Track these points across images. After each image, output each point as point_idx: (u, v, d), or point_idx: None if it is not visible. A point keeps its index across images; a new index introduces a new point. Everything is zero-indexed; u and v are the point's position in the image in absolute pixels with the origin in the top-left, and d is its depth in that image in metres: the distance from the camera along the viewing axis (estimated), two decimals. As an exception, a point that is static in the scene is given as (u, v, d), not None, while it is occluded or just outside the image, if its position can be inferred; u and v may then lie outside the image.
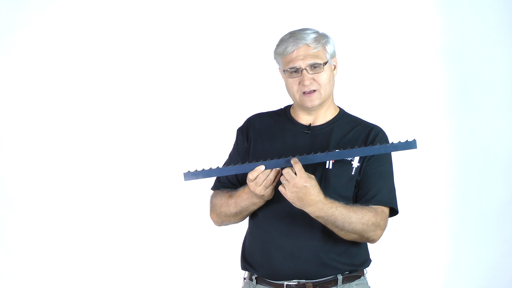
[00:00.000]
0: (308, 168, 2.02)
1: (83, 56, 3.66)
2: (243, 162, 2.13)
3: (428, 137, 3.70)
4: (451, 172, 3.76)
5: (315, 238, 2.07)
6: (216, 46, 3.70)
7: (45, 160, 3.67)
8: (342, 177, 2.09)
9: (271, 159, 1.99)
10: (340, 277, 2.10)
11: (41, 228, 3.68)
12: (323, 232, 2.06)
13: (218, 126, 3.64)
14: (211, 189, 2.25)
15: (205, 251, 3.70)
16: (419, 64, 3.73)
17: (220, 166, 2.03)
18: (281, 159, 1.97)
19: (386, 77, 3.72)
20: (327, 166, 2.08)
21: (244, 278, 2.22)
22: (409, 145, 1.97)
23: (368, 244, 2.19)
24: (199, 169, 2.01)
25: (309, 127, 2.15)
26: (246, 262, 2.18)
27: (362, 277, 2.16)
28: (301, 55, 2.06)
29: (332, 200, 2.00)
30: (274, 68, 2.21)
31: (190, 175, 2.02)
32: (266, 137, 2.18)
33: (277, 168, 1.98)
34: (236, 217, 2.15)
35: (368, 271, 2.21)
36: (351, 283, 2.12)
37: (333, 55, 2.12)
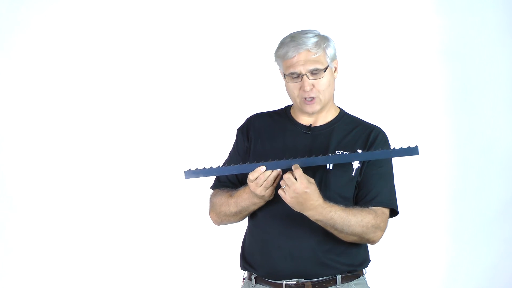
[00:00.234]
0: (308, 169, 2.03)
1: (83, 56, 3.66)
2: (243, 162, 2.13)
3: (428, 137, 3.71)
4: (451, 172, 3.76)
5: (315, 238, 2.07)
6: (216, 46, 3.70)
7: (45, 160, 3.67)
8: (342, 178, 2.09)
9: (272, 159, 2.00)
10: (339, 276, 2.10)
11: (41, 228, 3.68)
12: (323, 232, 2.06)
13: (218, 125, 3.64)
14: (211, 188, 2.25)
15: (205, 251, 3.70)
16: (419, 64, 3.73)
17: (221, 165, 2.03)
18: (282, 160, 1.98)
19: (386, 77, 3.72)
20: (327, 167, 2.09)
21: (244, 278, 2.22)
22: (411, 151, 1.97)
23: (367, 244, 2.19)
24: (200, 167, 2.02)
25: (309, 127, 2.15)
26: (246, 261, 2.19)
27: (361, 277, 2.16)
28: (302, 61, 2.06)
29: (332, 204, 2.01)
30: (274, 68, 2.21)
31: (191, 173, 2.02)
32: (266, 137, 2.18)
33: (278, 170, 1.98)
34: (236, 217, 2.15)
35: (368, 271, 2.21)
36: (350, 282, 2.12)
37: (333, 58, 2.12)
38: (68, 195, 3.68)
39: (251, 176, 1.98)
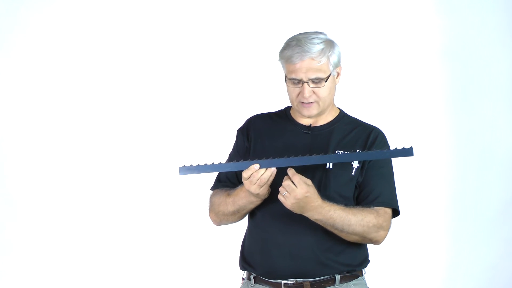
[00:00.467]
0: (308, 168, 2.03)
1: (82, 56, 3.66)
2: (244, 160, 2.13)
3: (428, 137, 3.71)
4: (451, 172, 3.76)
5: (314, 238, 2.08)
6: (216, 46, 3.70)
7: (44, 160, 3.67)
8: (342, 177, 2.10)
9: (266, 158, 2.00)
10: (338, 276, 2.10)
11: (41, 228, 3.68)
12: (322, 232, 2.07)
13: (218, 126, 3.64)
14: (211, 189, 2.26)
15: (204, 251, 3.70)
16: (419, 64, 3.73)
17: (216, 162, 2.03)
18: (276, 159, 1.98)
19: (386, 77, 3.72)
20: (327, 166, 2.09)
21: (243, 278, 2.23)
22: (406, 152, 1.98)
23: (367, 244, 2.19)
24: (194, 164, 2.02)
25: (309, 127, 2.16)
26: (245, 261, 2.19)
27: (360, 277, 2.16)
28: (304, 68, 2.05)
29: (331, 203, 2.01)
30: (274, 68, 2.22)
31: (185, 170, 2.02)
32: (266, 137, 2.19)
33: (272, 168, 1.98)
34: (234, 216, 2.16)
35: (367, 271, 2.21)
36: (349, 282, 2.13)
37: (337, 65, 2.11)
38: (67, 194, 3.68)
39: (245, 174, 1.99)
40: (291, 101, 2.14)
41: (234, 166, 2.02)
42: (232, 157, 2.24)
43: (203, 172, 2.02)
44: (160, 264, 3.72)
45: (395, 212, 2.14)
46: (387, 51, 3.71)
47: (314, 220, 2.01)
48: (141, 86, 3.70)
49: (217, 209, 2.18)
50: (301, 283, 2.09)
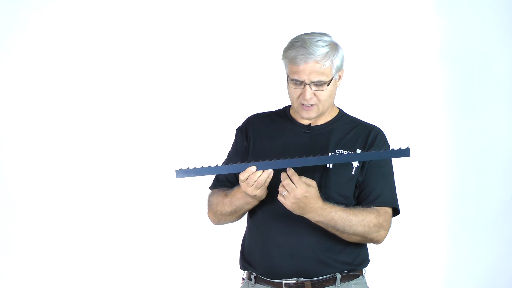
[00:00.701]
0: (308, 168, 2.03)
1: (82, 56, 3.66)
2: (242, 162, 2.13)
3: (428, 137, 3.71)
4: (451, 172, 3.76)
5: (314, 237, 2.08)
6: (215, 46, 3.70)
7: (44, 160, 3.67)
8: (342, 177, 2.10)
9: (264, 159, 2.00)
10: (338, 276, 2.10)
11: (41, 228, 3.68)
12: (322, 231, 2.07)
13: (217, 126, 3.64)
14: (210, 188, 2.26)
15: (204, 251, 3.70)
16: (419, 64, 3.73)
17: (213, 165, 2.03)
18: (273, 161, 1.98)
19: (386, 77, 3.72)
20: (327, 166, 2.09)
21: (243, 278, 2.23)
22: (403, 152, 1.98)
23: (367, 244, 2.19)
24: (191, 167, 2.02)
25: (308, 126, 2.16)
26: (245, 261, 2.19)
27: (360, 276, 2.16)
28: (308, 71, 2.05)
29: (332, 204, 2.01)
30: (273, 68, 2.22)
31: (182, 173, 2.02)
32: (265, 136, 2.19)
33: (269, 170, 1.98)
34: (232, 216, 2.16)
35: (367, 270, 2.21)
36: (349, 282, 2.13)
37: (339, 69, 2.11)
38: (67, 195, 3.68)
39: (242, 176, 1.99)
40: (292, 102, 2.14)
41: (231, 169, 2.02)
42: (231, 156, 2.24)
43: (200, 175, 2.02)
44: (160, 264, 3.72)
45: (395, 211, 2.15)
46: (387, 51, 3.71)
47: (316, 222, 2.02)
48: (140, 86, 3.70)
49: (215, 209, 2.18)
50: (302, 282, 2.09)
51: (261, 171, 1.98)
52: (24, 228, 3.68)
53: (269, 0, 3.70)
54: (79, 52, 3.66)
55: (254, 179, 1.98)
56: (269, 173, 1.98)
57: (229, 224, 2.24)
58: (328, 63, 2.05)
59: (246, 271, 2.21)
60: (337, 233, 2.05)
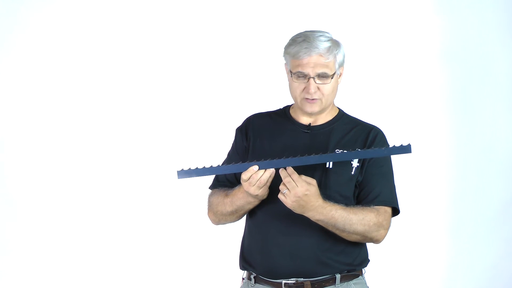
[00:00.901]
0: (308, 168, 2.03)
1: (82, 56, 3.66)
2: (242, 162, 2.13)
3: (427, 137, 3.71)
4: (451, 172, 3.76)
5: (314, 237, 2.08)
6: (215, 47, 3.70)
7: (44, 160, 3.67)
8: (342, 176, 2.10)
9: (266, 159, 2.00)
10: (338, 276, 2.10)
11: (41, 228, 3.68)
12: (322, 231, 2.07)
13: (217, 126, 3.64)
14: (210, 188, 2.26)
15: (204, 251, 3.70)
16: (419, 64, 3.73)
17: (214, 165, 2.03)
18: (274, 160, 1.98)
19: (386, 77, 3.72)
20: (327, 166, 2.09)
21: (243, 278, 2.23)
22: (404, 149, 1.98)
23: (367, 243, 2.19)
24: (193, 167, 2.02)
25: (308, 126, 2.16)
26: (245, 261, 2.19)
27: (360, 276, 2.16)
28: (312, 63, 2.06)
29: (332, 203, 2.01)
30: (273, 68, 2.22)
31: (184, 174, 2.02)
32: (265, 136, 2.19)
33: (271, 169, 1.98)
34: (232, 216, 2.16)
35: (367, 270, 2.21)
36: (349, 282, 2.13)
37: (341, 65, 2.12)
38: (67, 195, 3.68)
39: (244, 176, 1.99)
40: (294, 98, 2.13)
41: (232, 168, 2.02)
42: (231, 156, 2.24)
43: (201, 175, 2.02)
44: (160, 265, 3.72)
45: (395, 211, 2.15)
46: (387, 51, 3.71)
47: (316, 221, 2.01)
48: (140, 86, 3.70)
49: (215, 209, 2.18)
50: (302, 282, 2.09)
51: (263, 171, 1.98)
52: (24, 228, 3.68)
53: (269, 2, 3.70)
54: (79, 52, 3.66)
55: (257, 178, 1.98)
56: (271, 172, 1.99)
57: (229, 224, 2.24)
58: (331, 57, 2.07)
59: (245, 271, 2.21)
60: (337, 232, 2.04)
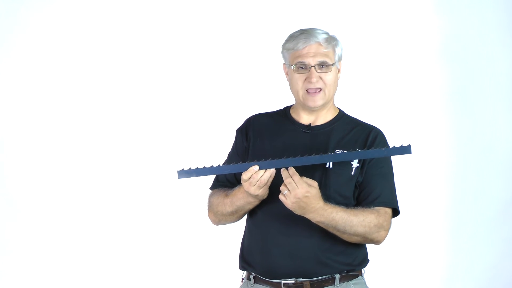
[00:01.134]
0: (308, 168, 2.03)
1: (82, 56, 3.66)
2: (242, 162, 2.13)
3: (427, 137, 3.71)
4: (451, 172, 3.76)
5: (314, 237, 2.08)
6: (216, 47, 3.69)
7: (44, 160, 3.67)
8: (342, 176, 2.10)
9: (265, 159, 2.00)
10: (337, 276, 2.10)
11: (41, 228, 3.68)
12: (322, 231, 2.07)
13: (217, 126, 3.64)
14: (210, 188, 2.26)
15: (204, 251, 3.70)
16: (419, 64, 3.73)
17: (214, 165, 2.03)
18: (275, 160, 1.98)
19: (386, 77, 3.72)
20: (327, 166, 2.09)
21: (242, 278, 2.23)
22: (404, 150, 1.98)
23: (367, 244, 2.19)
24: (193, 167, 2.02)
25: (309, 126, 2.16)
26: (245, 261, 2.19)
27: (360, 276, 2.16)
28: (312, 52, 2.08)
29: (333, 205, 2.01)
30: (273, 68, 2.22)
31: (184, 173, 2.02)
32: (265, 136, 2.19)
33: (271, 169, 1.98)
34: (232, 216, 2.16)
35: (367, 270, 2.21)
36: (348, 282, 2.13)
37: (340, 58, 2.14)
38: (67, 195, 3.68)
39: (244, 176, 1.99)
40: (296, 92, 2.13)
41: (233, 168, 2.02)
42: (231, 157, 2.24)
43: (202, 175, 2.02)
44: (160, 265, 3.72)
45: (395, 212, 2.15)
46: (387, 51, 3.71)
47: (316, 223, 2.02)
48: (140, 86, 3.70)
49: (215, 209, 2.18)
50: (301, 282, 2.09)
51: (263, 171, 1.98)
52: (24, 228, 3.68)
53: (269, 2, 3.70)
54: (79, 53, 3.66)
55: (257, 178, 1.98)
56: (271, 172, 1.99)
57: (229, 224, 2.24)
58: (330, 47, 2.10)
59: (245, 271, 2.21)
60: (338, 234, 2.05)
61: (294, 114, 2.20)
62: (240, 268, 2.23)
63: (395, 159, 2.15)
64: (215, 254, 3.67)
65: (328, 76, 2.09)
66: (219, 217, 2.19)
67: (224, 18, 3.70)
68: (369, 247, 2.22)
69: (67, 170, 3.68)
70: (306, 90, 2.10)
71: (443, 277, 3.78)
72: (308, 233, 2.08)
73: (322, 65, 2.08)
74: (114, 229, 3.70)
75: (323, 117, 2.17)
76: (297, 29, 2.15)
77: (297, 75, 2.10)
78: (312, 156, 1.99)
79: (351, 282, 2.13)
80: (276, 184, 2.01)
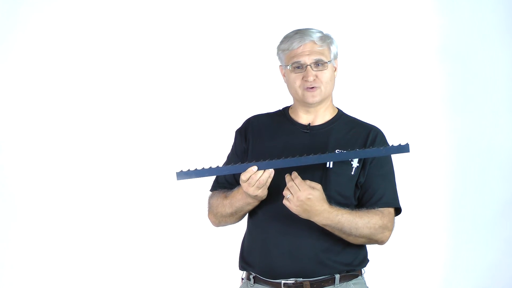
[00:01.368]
0: (308, 168, 2.03)
1: (83, 56, 3.67)
2: (241, 163, 2.13)
3: (427, 137, 3.71)
4: (451, 172, 3.76)
5: (314, 237, 2.08)
6: (214, 48, 3.70)
7: (44, 160, 3.67)
8: (342, 176, 2.10)
9: (265, 159, 2.00)
10: (337, 276, 2.10)
11: (41, 228, 3.68)
12: (322, 232, 2.07)
13: (216, 127, 3.64)
14: (210, 190, 2.26)
15: (204, 251, 3.70)
16: (419, 64, 3.73)
17: (213, 166, 2.03)
18: (274, 160, 1.98)
19: (386, 77, 3.72)
20: (327, 166, 2.09)
21: (242, 279, 2.23)
22: (402, 149, 1.98)
23: (371, 244, 2.19)
24: (192, 168, 2.02)
25: (308, 126, 2.16)
26: (245, 261, 2.19)
27: (359, 276, 2.16)
28: (307, 51, 2.08)
29: (338, 208, 2.02)
30: (272, 69, 2.21)
31: (183, 175, 2.02)
32: (265, 137, 2.19)
33: (270, 169, 1.98)
34: (232, 217, 2.16)
35: (366, 270, 2.21)
36: (348, 282, 2.13)
37: (335, 57, 2.14)
38: (67, 195, 3.68)
39: (243, 177, 1.99)
40: (294, 91, 2.13)
41: (232, 169, 2.02)
42: (231, 158, 2.24)
43: (200, 176, 2.02)
44: (160, 265, 3.72)
45: (397, 210, 2.15)
46: (387, 51, 3.71)
47: (322, 226, 2.02)
48: (140, 87, 3.70)
49: (215, 211, 2.18)
50: (301, 282, 2.09)
51: (262, 171, 1.98)
52: (24, 228, 3.68)
53: (269, 2, 3.70)
54: (79, 53, 3.66)
55: (256, 179, 1.98)
56: (270, 172, 1.99)
57: (229, 225, 2.24)
58: (324, 45, 2.10)
59: (245, 271, 2.21)
60: (343, 236, 2.05)
61: (293, 115, 2.20)
62: (240, 269, 2.23)
63: (395, 159, 2.15)
64: (215, 254, 3.67)
65: (324, 74, 2.10)
66: (219, 219, 2.19)
67: (224, 20, 3.70)
68: (369, 247, 2.22)
69: (67, 171, 3.68)
70: (304, 88, 2.10)
71: (443, 277, 3.78)
72: (308, 233, 2.08)
73: (318, 63, 2.09)
74: (114, 230, 3.70)
75: (322, 117, 2.17)
76: (290, 30, 2.15)
77: (294, 75, 2.11)
78: (310, 156, 1.99)
79: (351, 282, 2.13)
80: (275, 184, 2.01)
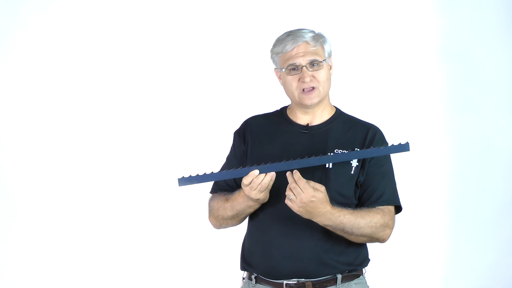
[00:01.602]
0: (308, 168, 2.02)
1: (83, 57, 3.66)
2: (242, 165, 2.12)
3: (427, 137, 3.71)
4: (451, 172, 3.76)
5: (315, 238, 2.08)
6: (213, 50, 3.69)
7: (44, 161, 3.67)
8: (342, 176, 2.10)
9: (267, 162, 2.00)
10: (339, 276, 2.10)
11: (41, 228, 3.68)
12: (323, 232, 2.07)
13: (215, 129, 3.63)
14: (210, 192, 2.25)
15: (204, 252, 3.70)
16: (419, 63, 3.73)
17: (215, 171, 2.03)
18: (275, 163, 1.98)
19: (386, 76, 3.72)
20: (327, 166, 2.09)
21: (243, 278, 2.22)
22: (402, 147, 1.98)
23: (367, 243, 2.19)
24: (194, 174, 2.01)
25: (306, 127, 2.16)
26: (246, 262, 2.19)
27: (361, 276, 2.16)
28: (301, 52, 2.08)
29: (340, 208, 2.01)
30: (271, 70, 2.21)
31: (184, 181, 2.02)
32: (263, 138, 2.18)
33: (272, 172, 1.98)
34: (233, 220, 2.16)
35: (367, 270, 2.21)
36: (350, 282, 2.13)
37: (330, 55, 2.14)
38: (67, 196, 3.68)
39: (245, 181, 1.99)
40: (291, 94, 2.13)
41: (233, 174, 2.02)
42: (230, 160, 2.24)
43: (202, 182, 2.02)
44: (161, 265, 3.72)
45: (397, 208, 2.15)
46: (387, 51, 3.71)
47: (324, 226, 2.02)
48: (139, 89, 3.70)
49: (216, 214, 2.18)
50: (303, 283, 2.09)
51: (264, 175, 1.98)
52: (24, 228, 3.67)
53: (268, 3, 3.70)
54: (79, 53, 3.66)
55: (258, 182, 1.98)
56: (272, 175, 1.99)
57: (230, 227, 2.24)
58: (318, 44, 2.10)
59: (246, 271, 2.21)
60: (345, 235, 2.05)
61: (291, 115, 2.20)
62: (241, 269, 2.22)
63: (394, 158, 2.15)
64: (216, 254, 3.67)
65: (321, 74, 2.09)
66: (220, 221, 2.18)
67: (223, 21, 3.70)
68: (370, 246, 2.22)
69: (67, 171, 3.68)
70: (302, 90, 2.10)
71: (443, 277, 3.78)
72: (309, 234, 2.08)
73: (313, 64, 2.08)
74: (115, 231, 3.70)
75: (320, 117, 2.17)
76: (283, 32, 2.15)
77: (290, 77, 2.10)
78: (311, 158, 1.99)
79: (352, 282, 2.13)
80: (276, 186, 2.01)
